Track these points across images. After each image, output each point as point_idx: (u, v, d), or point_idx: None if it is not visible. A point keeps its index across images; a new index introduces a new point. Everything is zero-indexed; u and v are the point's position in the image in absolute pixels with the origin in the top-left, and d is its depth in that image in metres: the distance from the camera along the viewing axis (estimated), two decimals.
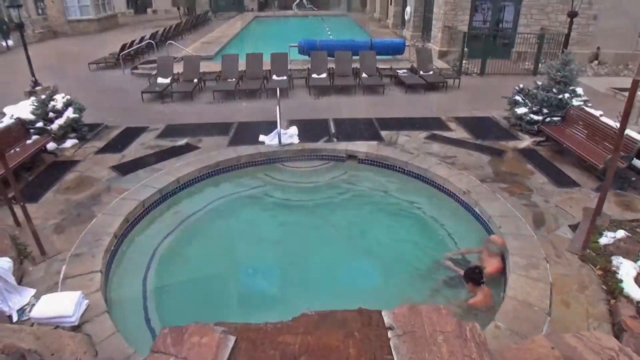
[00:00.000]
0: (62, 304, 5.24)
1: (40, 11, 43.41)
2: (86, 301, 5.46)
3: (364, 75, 15.71)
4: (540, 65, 17.51)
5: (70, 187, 8.65)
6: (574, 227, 7.02)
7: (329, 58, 16.21)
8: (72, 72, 19.50)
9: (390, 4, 29.58)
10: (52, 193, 8.45)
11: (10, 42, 28.61)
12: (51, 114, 10.79)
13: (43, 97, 10.99)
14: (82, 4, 33.92)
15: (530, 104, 11.22)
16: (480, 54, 17.74)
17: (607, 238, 6.53)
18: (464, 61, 17.54)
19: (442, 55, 19.38)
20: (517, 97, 11.61)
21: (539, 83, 11.41)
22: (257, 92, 14.82)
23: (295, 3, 40.32)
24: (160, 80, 15.53)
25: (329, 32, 26.12)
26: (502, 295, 5.71)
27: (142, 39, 22.36)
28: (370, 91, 15.15)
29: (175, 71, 16.02)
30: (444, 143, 10.47)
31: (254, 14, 39.18)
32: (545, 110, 10.89)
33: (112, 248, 6.81)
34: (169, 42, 22.22)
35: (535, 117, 10.90)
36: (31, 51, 15.10)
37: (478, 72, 17.56)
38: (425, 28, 23.53)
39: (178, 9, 40.79)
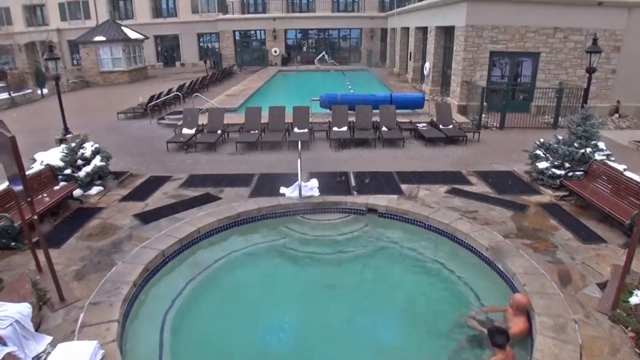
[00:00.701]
0: (77, 354, 5.14)
1: (75, 62, 45.47)
2: (102, 351, 5.37)
3: (384, 128, 15.81)
4: (560, 119, 17.46)
5: (92, 234, 8.70)
6: (602, 286, 6.74)
7: (349, 112, 16.41)
8: (101, 120, 20.16)
9: (410, 60, 30.08)
10: (75, 239, 8.49)
11: (45, 91, 29.83)
12: (79, 162, 11.01)
13: (73, 145, 11.25)
14: (114, 56, 35.65)
15: (551, 159, 11.08)
16: (499, 107, 17.79)
17: (638, 298, 6.23)
18: (483, 115, 17.57)
19: (461, 109, 19.50)
20: (538, 152, 11.49)
21: (560, 137, 11.31)
22: (279, 144, 14.96)
23: (317, 58, 41.27)
24: (185, 130, 15.86)
25: (349, 86, 26.50)
26: (528, 359, 5.43)
27: (169, 91, 23.02)
28: (390, 144, 15.20)
29: (200, 122, 16.37)
30: (465, 197, 10.31)
31: (277, 68, 40.19)
32: (567, 165, 10.72)
33: (131, 297, 6.74)
34: (195, 94, 22.80)
35: (558, 172, 10.71)
36: (64, 99, 15.65)
37: (498, 125, 17.56)
38: (444, 83, 23.81)
39: (205, 62, 42.11)
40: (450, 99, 20.73)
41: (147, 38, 40.25)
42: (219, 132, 15.67)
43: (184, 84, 25.56)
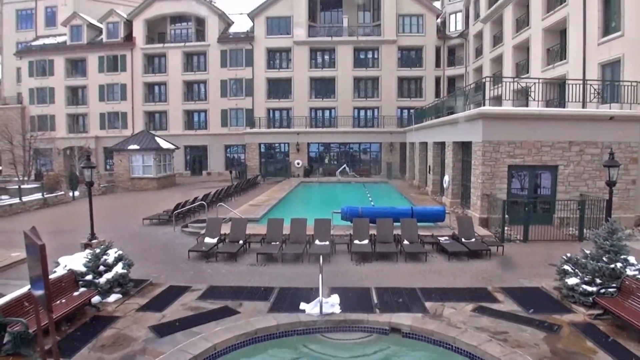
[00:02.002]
0: None
1: (107, 167, 47.31)
2: None
3: (405, 242, 15.49)
4: (585, 231, 16.95)
5: (105, 345, 8.34)
6: None
7: (370, 224, 16.22)
8: (127, 225, 20.45)
9: (429, 173, 30.34)
10: (87, 350, 8.16)
11: (77, 193, 30.71)
12: (101, 267, 10.88)
13: (97, 250, 11.25)
14: (146, 164, 37.28)
15: (581, 274, 10.54)
16: (521, 220, 17.43)
17: None
18: (505, 228, 17.19)
19: (483, 221, 19.18)
20: (566, 267, 10.97)
21: (587, 251, 10.86)
22: (299, 256, 14.66)
23: (338, 170, 42.12)
24: (207, 239, 15.79)
25: (370, 199, 26.61)
26: None
27: (195, 199, 23.31)
28: (413, 258, 14.71)
29: (222, 231, 16.34)
30: (493, 317, 9.68)
31: (299, 179, 40.88)
32: (598, 281, 10.16)
33: None
34: (219, 204, 23.01)
35: (589, 289, 10.13)
36: (94, 202, 15.82)
37: (521, 238, 17.09)
38: (464, 195, 23.72)
39: (230, 172, 43.23)
40: (471, 212, 20.52)
41: (177, 148, 41.98)
42: (241, 242, 15.54)
43: (210, 192, 26.00)
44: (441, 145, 27.93)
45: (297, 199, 29.85)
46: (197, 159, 49.10)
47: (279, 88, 47.26)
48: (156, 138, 38.85)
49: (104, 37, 49.21)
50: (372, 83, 47.03)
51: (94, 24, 49.89)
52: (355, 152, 46.30)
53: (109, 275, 10.80)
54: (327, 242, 15.42)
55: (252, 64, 46.69)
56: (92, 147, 46.34)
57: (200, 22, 48.66)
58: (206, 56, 48.01)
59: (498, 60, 37.20)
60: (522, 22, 33.07)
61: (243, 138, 45.55)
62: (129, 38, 48.63)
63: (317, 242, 15.47)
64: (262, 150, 45.58)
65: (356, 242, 15.45)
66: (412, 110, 40.89)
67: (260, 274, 13.11)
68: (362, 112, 47.29)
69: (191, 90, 49.41)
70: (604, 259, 10.36)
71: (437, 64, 46.37)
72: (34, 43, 51.45)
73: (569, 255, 11.25)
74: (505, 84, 22.16)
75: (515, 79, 24.00)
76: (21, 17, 54.85)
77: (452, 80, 46.86)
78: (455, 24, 45.88)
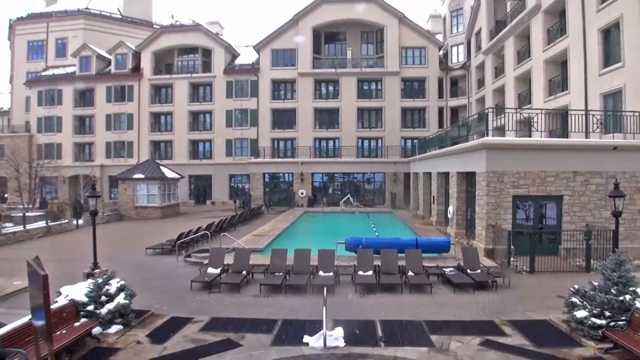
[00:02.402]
0: None
1: (112, 195, 47.41)
2: None
3: (410, 273, 15.23)
4: (592, 261, 16.73)
5: None
6: None
7: (375, 255, 16.02)
8: (130, 254, 20.34)
9: (433, 203, 30.22)
10: None
11: (80, 222, 30.61)
12: (103, 298, 10.74)
13: (100, 280, 11.15)
14: (150, 193, 37.48)
15: (589, 307, 10.31)
16: (527, 251, 17.20)
17: None
18: (511, 259, 16.94)
19: (489, 252, 18.94)
20: (574, 299, 10.76)
21: (595, 283, 10.66)
22: (303, 287, 14.40)
23: (342, 201, 42.08)
24: (210, 270, 15.60)
25: (374, 229, 26.45)
26: None
27: (198, 229, 23.20)
28: (417, 290, 14.43)
29: (225, 262, 16.16)
30: (501, 350, 9.42)
31: (303, 209, 40.76)
32: (607, 313, 9.94)
33: None
34: (223, 233, 22.88)
35: (598, 322, 9.90)
36: (97, 231, 15.68)
37: (527, 269, 16.82)
38: (468, 225, 23.54)
39: (234, 202, 43.19)
40: (476, 242, 20.31)
41: (182, 177, 42.08)
42: (244, 272, 15.32)
43: (213, 222, 25.88)
44: (445, 176, 27.92)
45: (301, 229, 29.67)
46: (201, 188, 49.16)
47: (284, 118, 47.73)
48: (161, 167, 39.13)
49: (112, 67, 50.18)
50: (376, 113, 47.45)
51: (103, 55, 50.90)
52: (359, 182, 46.37)
53: (110, 306, 10.64)
54: (331, 273, 15.20)
55: (257, 94, 47.30)
56: (97, 176, 46.54)
57: (206, 53, 49.50)
58: (212, 87, 48.70)
59: (500, 91, 37.51)
60: (523, 54, 33.46)
61: (247, 168, 45.74)
62: (136, 69, 49.51)
63: (321, 273, 15.25)
64: (266, 180, 45.69)
65: (360, 273, 15.21)
66: (415, 141, 41.15)
67: (263, 305, 12.87)
68: (366, 142, 47.58)
69: (197, 120, 49.91)
70: (613, 290, 10.18)
71: (440, 95, 46.89)
72: (43, 73, 52.47)
73: (576, 287, 11.05)
74: (508, 114, 22.23)
75: (518, 110, 24.14)
76: (32, 48, 56.02)
77: (455, 111, 47.24)
78: (458, 56, 46.59)
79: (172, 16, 61.67)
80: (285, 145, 47.97)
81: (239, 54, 51.17)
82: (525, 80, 33.35)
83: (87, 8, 55.36)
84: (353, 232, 20.01)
